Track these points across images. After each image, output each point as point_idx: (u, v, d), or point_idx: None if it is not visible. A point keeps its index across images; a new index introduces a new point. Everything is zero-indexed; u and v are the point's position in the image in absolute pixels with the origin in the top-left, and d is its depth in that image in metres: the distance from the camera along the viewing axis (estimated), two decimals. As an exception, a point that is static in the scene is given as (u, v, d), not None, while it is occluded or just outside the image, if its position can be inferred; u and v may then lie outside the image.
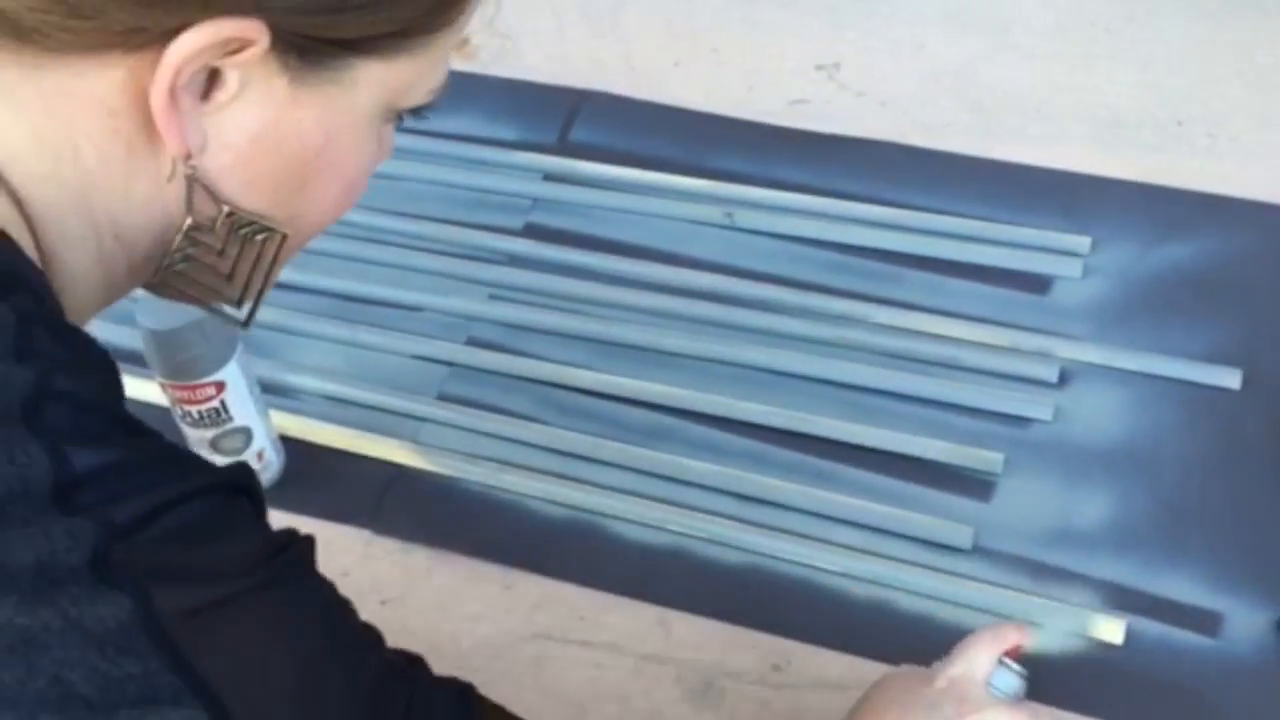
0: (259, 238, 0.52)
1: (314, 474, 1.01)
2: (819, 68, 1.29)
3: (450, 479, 1.01)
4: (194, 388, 0.90)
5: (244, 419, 0.93)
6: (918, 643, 0.88)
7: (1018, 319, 1.07)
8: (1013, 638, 0.74)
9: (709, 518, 0.97)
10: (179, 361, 0.89)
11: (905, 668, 0.76)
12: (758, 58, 1.31)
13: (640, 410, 1.04)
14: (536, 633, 0.92)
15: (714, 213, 1.17)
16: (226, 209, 0.50)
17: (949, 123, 1.23)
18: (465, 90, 1.31)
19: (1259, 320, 1.04)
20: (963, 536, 0.93)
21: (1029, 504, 0.96)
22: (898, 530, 0.95)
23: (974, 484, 0.97)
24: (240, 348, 0.91)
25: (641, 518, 0.97)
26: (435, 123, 1.25)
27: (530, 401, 1.05)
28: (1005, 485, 0.97)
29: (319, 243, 1.16)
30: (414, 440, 1.03)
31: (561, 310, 1.12)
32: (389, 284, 1.15)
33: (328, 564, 0.94)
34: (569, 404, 1.05)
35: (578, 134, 1.26)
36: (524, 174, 1.23)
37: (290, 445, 1.03)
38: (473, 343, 1.10)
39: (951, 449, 0.99)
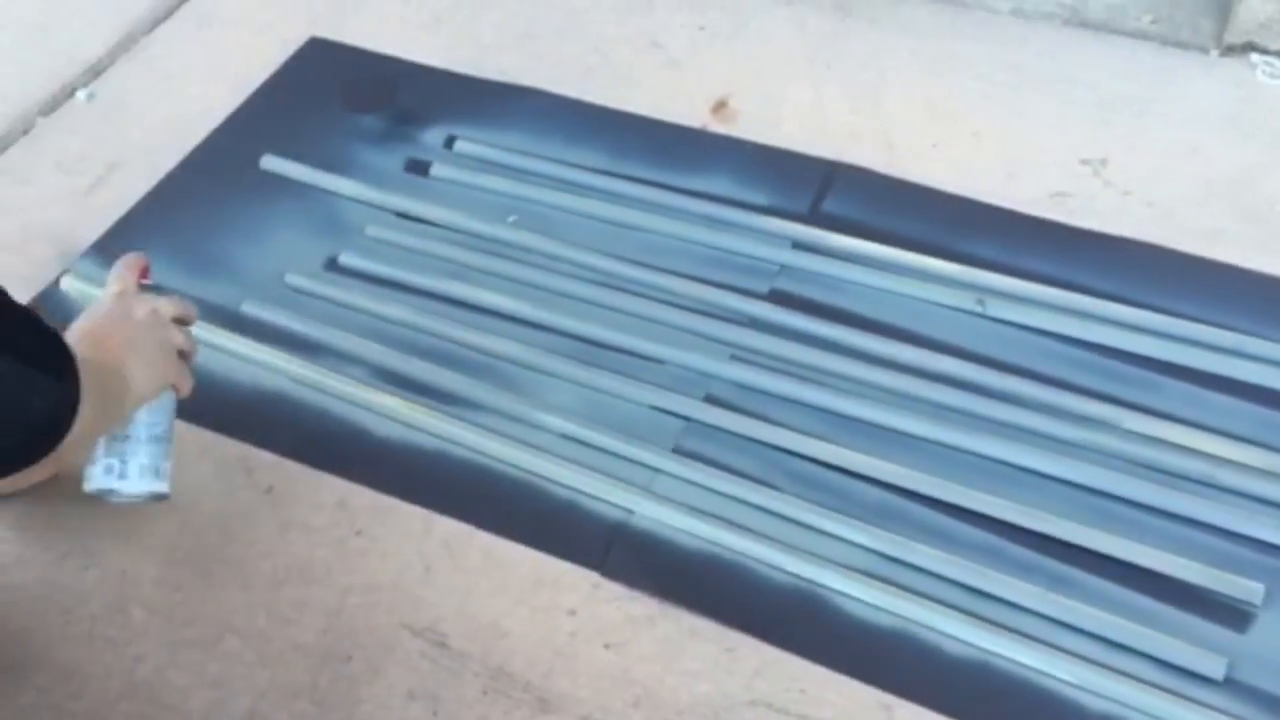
0: None
1: (546, 509, 1.04)
2: (1084, 162, 1.27)
3: (680, 533, 1.01)
4: None
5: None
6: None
7: (1284, 443, 1.01)
8: (136, 262, 0.98)
9: (935, 605, 0.95)
10: None
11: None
12: (1019, 146, 1.30)
13: (872, 488, 1.03)
14: (755, 699, 0.91)
15: (964, 298, 1.16)
16: None
17: (1220, 230, 1.18)
18: (719, 151, 1.34)
19: None
20: (1215, 666, 0.89)
21: (1289, 641, 0.90)
22: (1142, 649, 0.90)
23: (1229, 612, 0.92)
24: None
25: (868, 597, 0.96)
26: (687, 180, 1.30)
27: (763, 465, 1.06)
28: (1264, 618, 0.91)
29: (564, 283, 1.22)
30: (647, 489, 1.05)
31: (801, 378, 1.12)
32: (630, 332, 1.17)
33: (556, 600, 0.97)
34: (801, 472, 1.05)
35: (830, 205, 1.27)
36: (773, 239, 1.24)
37: (526, 479, 1.06)
38: (711, 400, 1.11)
39: (1206, 571, 0.94)
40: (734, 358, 1.14)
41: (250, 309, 1.21)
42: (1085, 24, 1.41)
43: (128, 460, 0.95)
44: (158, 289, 0.99)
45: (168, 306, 0.97)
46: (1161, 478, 1.01)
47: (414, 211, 1.30)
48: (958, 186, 1.26)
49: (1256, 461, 1.00)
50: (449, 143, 1.38)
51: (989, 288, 1.16)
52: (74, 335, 0.90)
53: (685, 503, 1.04)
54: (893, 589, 0.96)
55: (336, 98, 1.44)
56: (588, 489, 1.05)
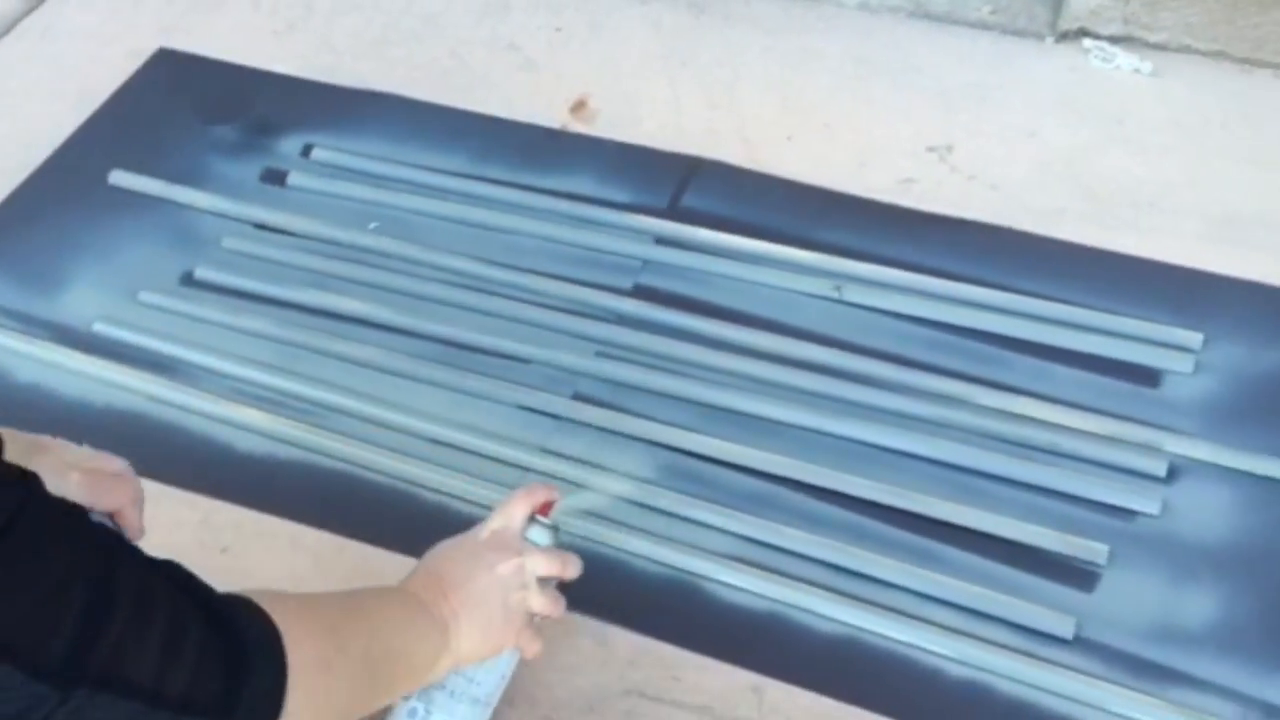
0: None
1: (417, 515, 1.03)
2: (930, 149, 1.31)
3: (551, 530, 1.02)
4: None
5: None
6: (1017, 730, 0.88)
7: (1125, 410, 1.06)
8: (543, 495, 0.84)
9: (805, 586, 0.97)
10: None
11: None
12: (869, 135, 1.33)
13: (741, 475, 1.05)
14: (629, 689, 0.92)
15: (822, 285, 1.19)
16: None
17: (1060, 210, 1.23)
18: (581, 151, 1.34)
19: (1375, 428, 1.02)
20: (1064, 626, 0.92)
21: (1133, 598, 0.95)
22: (998, 615, 0.94)
23: (1077, 573, 0.96)
24: None
25: (738, 582, 0.98)
26: (548, 180, 1.30)
27: (633, 460, 1.07)
28: (1109, 577, 0.96)
29: (428, 288, 1.21)
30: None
31: (668, 372, 1.13)
32: (497, 334, 1.17)
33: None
34: (671, 464, 1.06)
35: (689, 200, 1.28)
36: (635, 236, 1.25)
37: (394, 486, 1.05)
38: (579, 398, 1.12)
39: (1055, 536, 0.98)
40: (600, 354, 1.15)
41: (102, 329, 1.17)
42: (928, 16, 1.45)
43: (432, 713, 0.82)
44: (554, 529, 0.85)
45: (539, 563, 0.81)
46: (1012, 449, 1.05)
47: (272, 222, 1.29)
48: (812, 177, 1.29)
49: (1099, 428, 1.05)
50: (306, 151, 1.36)
51: (845, 274, 1.19)
52: (421, 570, 0.81)
53: (556, 500, 1.04)
54: (763, 572, 0.98)
55: (188, 109, 1.41)
56: (458, 492, 1.05)
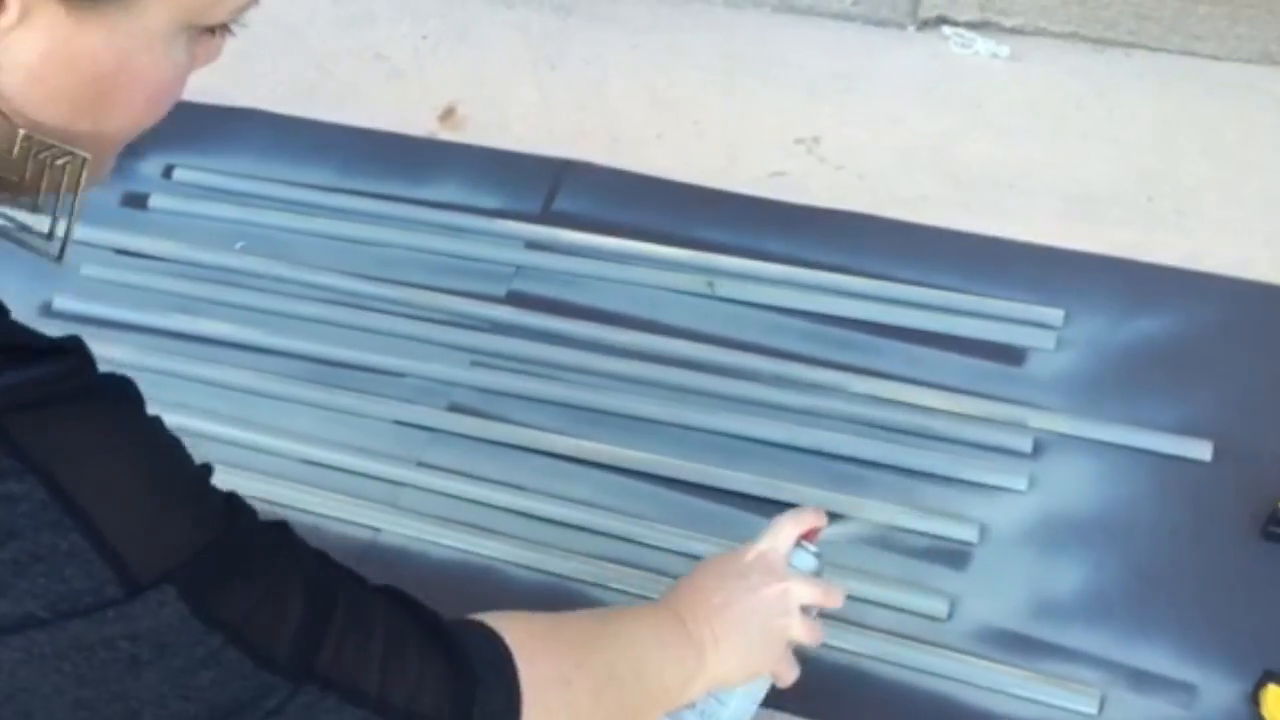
0: (60, 162, 0.52)
1: (292, 538, 1.01)
2: (798, 141, 1.32)
3: (428, 544, 1.01)
4: None
5: None
6: (893, 712, 0.89)
7: (992, 389, 1.08)
8: (810, 520, 0.81)
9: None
10: None
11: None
12: (738, 130, 1.34)
13: (618, 476, 1.05)
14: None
15: (695, 282, 1.19)
16: (23, 132, 0.50)
17: (925, 196, 1.25)
18: (449, 158, 1.33)
19: (1229, 393, 1.05)
20: (938, 606, 0.94)
21: (1004, 574, 0.96)
22: (873, 599, 0.95)
23: (949, 554, 0.98)
24: None
25: (619, 584, 0.98)
26: (418, 190, 1.29)
27: (511, 467, 1.06)
28: (980, 555, 0.97)
29: (297, 306, 1.19)
30: (393, 505, 1.04)
31: (543, 377, 1.13)
32: (369, 349, 1.16)
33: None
34: (549, 469, 1.06)
35: (561, 203, 1.28)
36: (507, 242, 1.24)
37: (266, 510, 1.03)
38: (454, 409, 1.11)
39: (927, 518, 0.99)
40: (475, 363, 1.14)
41: (-45, 366, 1.13)
42: (792, 9, 1.47)
43: None
44: (819, 556, 0.81)
45: (804, 591, 0.78)
46: (884, 434, 1.06)
47: (133, 246, 1.25)
48: (683, 174, 1.29)
49: (967, 409, 1.07)
50: (167, 172, 1.33)
51: (717, 269, 1.20)
52: (685, 587, 0.78)
53: (432, 513, 1.03)
54: (644, 574, 0.98)
55: (42, 134, 1.37)
56: (332, 512, 1.03)
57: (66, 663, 0.47)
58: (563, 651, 0.66)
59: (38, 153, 0.51)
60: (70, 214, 0.54)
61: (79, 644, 0.47)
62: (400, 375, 1.14)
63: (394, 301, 1.20)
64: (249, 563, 0.53)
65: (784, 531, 0.80)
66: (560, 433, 1.08)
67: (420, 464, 1.07)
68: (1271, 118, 1.29)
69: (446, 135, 1.36)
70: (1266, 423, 1.03)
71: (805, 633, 0.78)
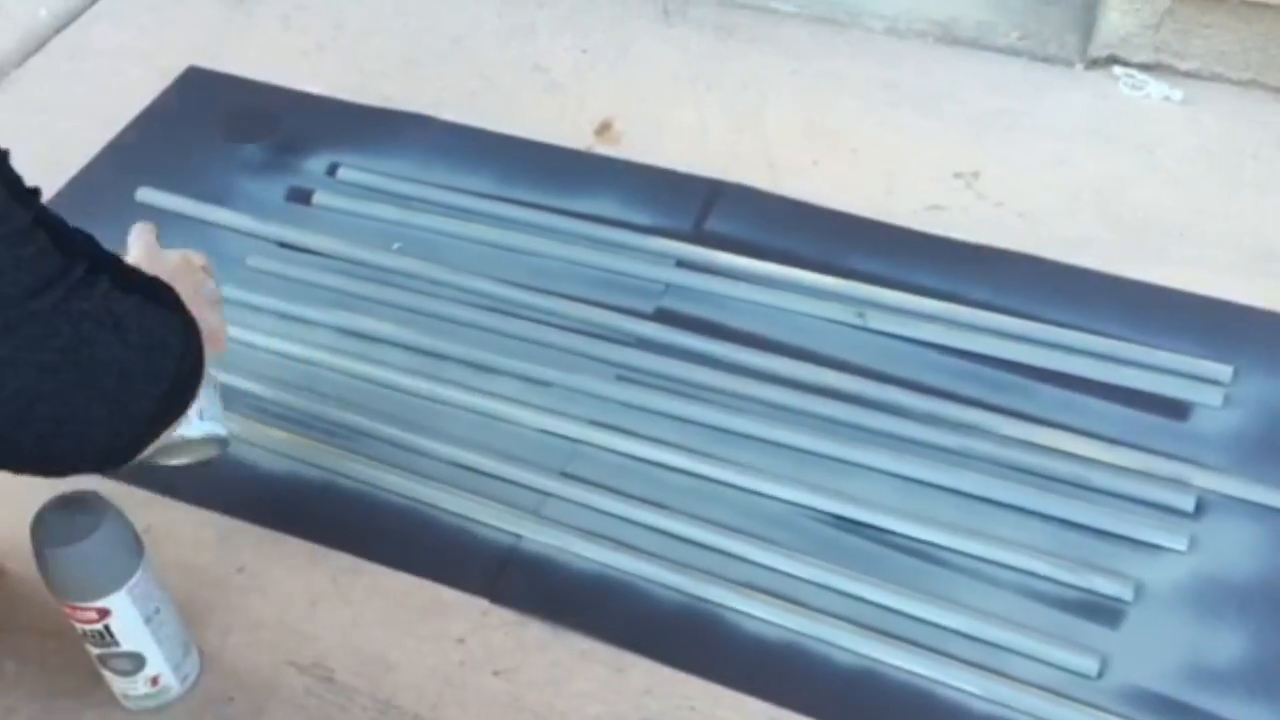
0: None
1: (435, 538, 1.03)
2: (957, 175, 1.30)
3: (570, 556, 1.01)
4: (75, 608, 0.86)
5: (134, 645, 0.88)
6: (1039, 769, 0.86)
7: (1153, 443, 1.05)
8: (152, 227, 0.93)
9: (825, 617, 0.96)
10: (61, 580, 0.85)
11: None
12: (896, 161, 1.32)
13: (761, 501, 1.04)
14: (645, 717, 0.91)
15: (846, 312, 1.18)
16: None
17: (1087, 239, 1.22)
18: (604, 173, 1.34)
19: None
20: (1089, 664, 0.91)
21: (1160, 636, 0.93)
22: (1021, 650, 0.93)
23: (1102, 610, 0.95)
24: (139, 575, 0.86)
25: (756, 611, 0.97)
26: (572, 202, 1.30)
27: (651, 484, 1.06)
28: (1135, 614, 0.94)
29: (451, 309, 1.21)
30: (536, 514, 1.04)
31: (687, 396, 1.12)
32: (518, 356, 1.17)
33: (445, 629, 0.96)
34: (691, 490, 1.06)
35: (713, 224, 1.28)
36: (658, 259, 1.25)
37: (414, 508, 1.05)
38: (597, 422, 1.11)
39: (1079, 571, 0.96)
40: (620, 378, 1.15)
41: (126, 345, 1.18)
42: (956, 41, 1.45)
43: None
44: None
45: (195, 255, 0.92)
46: (1036, 480, 1.03)
47: (296, 241, 1.29)
48: (837, 202, 1.28)
49: (1126, 461, 1.03)
50: (331, 170, 1.36)
51: (869, 300, 1.18)
52: None
53: (574, 525, 1.04)
54: (781, 602, 0.97)
55: (216, 128, 1.42)
56: (477, 515, 1.04)
57: None
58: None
59: None
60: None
61: None
62: (547, 384, 1.15)
63: (544, 311, 1.21)
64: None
65: (145, 237, 0.92)
66: (703, 454, 1.08)
67: (564, 474, 1.07)
68: None
69: (602, 150, 1.37)
70: None
71: (215, 289, 0.91)
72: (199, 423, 0.89)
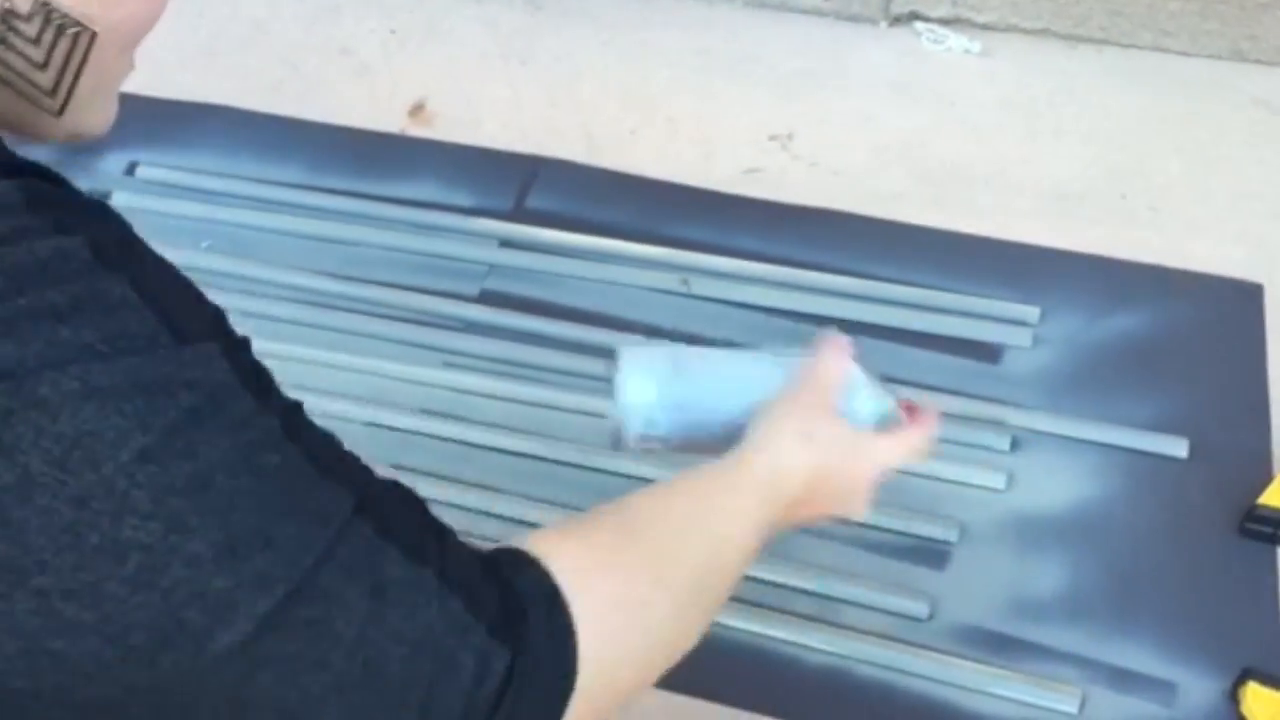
0: (71, 31, 0.50)
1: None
2: (772, 138, 1.31)
3: (403, 548, 0.99)
4: None
5: None
6: (874, 713, 0.88)
7: (969, 387, 1.08)
8: (847, 346, 0.69)
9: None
10: None
11: None
12: (712, 127, 1.33)
13: (594, 476, 1.04)
14: None
15: (670, 280, 1.18)
16: None
17: (899, 193, 1.25)
18: (421, 156, 1.31)
19: (1204, 390, 1.06)
20: (919, 607, 0.93)
21: (984, 573, 0.96)
22: (853, 600, 0.94)
23: (929, 554, 0.97)
24: None
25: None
26: (388, 188, 1.27)
27: (484, 469, 1.05)
28: (960, 554, 0.97)
29: (267, 306, 1.17)
30: (366, 509, 1.02)
31: (517, 378, 1.11)
32: (341, 349, 1.14)
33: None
34: (523, 471, 1.04)
35: (534, 201, 1.26)
36: (480, 240, 1.23)
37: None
38: (427, 411, 1.09)
39: (907, 517, 0.99)
40: (448, 364, 1.13)
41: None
42: (764, 5, 1.46)
43: None
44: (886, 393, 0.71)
45: (892, 457, 0.68)
46: (863, 433, 1.05)
47: (96, 246, 1.22)
48: (656, 171, 1.28)
49: (945, 407, 1.06)
50: (130, 169, 1.30)
51: (692, 267, 1.19)
52: (803, 459, 0.64)
53: (407, 517, 1.01)
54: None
55: None
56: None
57: (126, 402, 0.43)
58: (637, 569, 0.56)
59: (48, 15, 0.49)
60: (73, 85, 0.52)
61: (137, 381, 0.43)
62: (373, 375, 1.12)
63: (365, 301, 1.18)
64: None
65: (835, 376, 0.68)
66: (535, 434, 1.07)
67: (395, 466, 1.05)
68: (1242, 114, 1.30)
69: (416, 132, 1.34)
70: (1242, 419, 1.03)
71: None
72: None
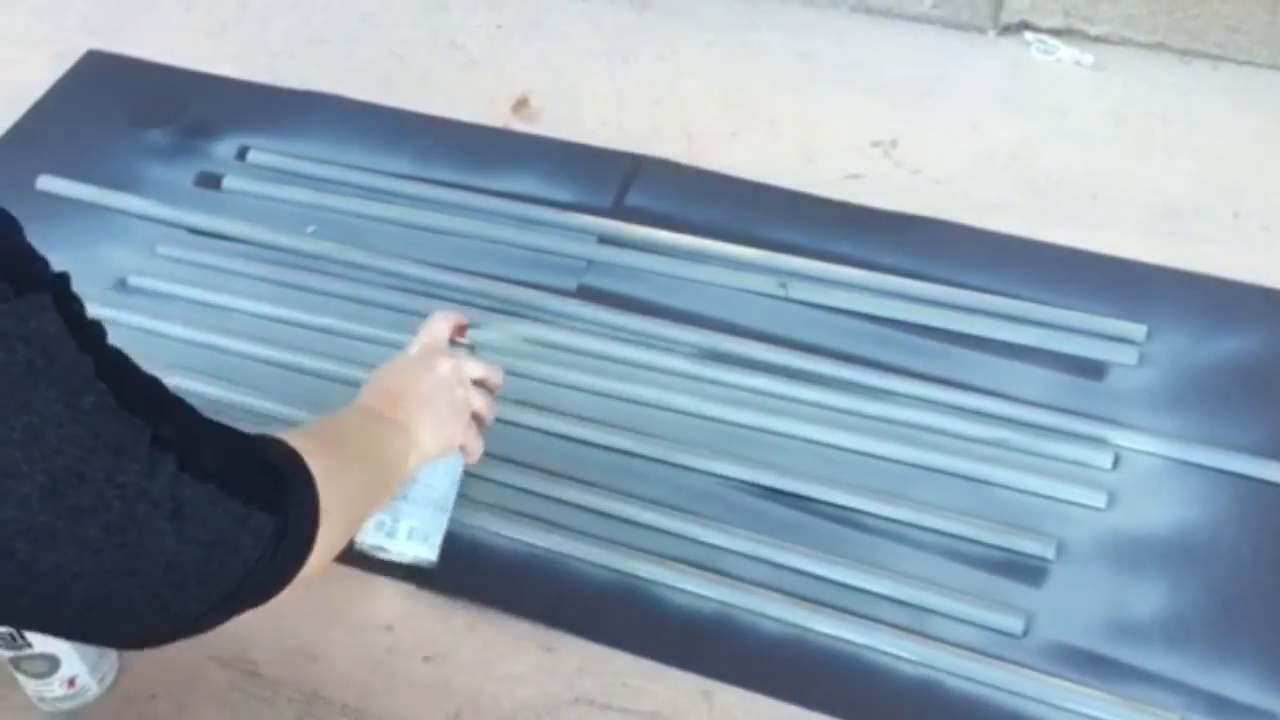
0: None
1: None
2: (875, 144, 1.30)
3: (495, 537, 1.00)
4: None
5: (47, 646, 0.85)
6: (967, 728, 0.87)
7: (1071, 404, 1.06)
8: (455, 318, 0.94)
9: (753, 588, 0.96)
10: None
11: None
12: (814, 132, 1.32)
13: (686, 475, 1.04)
14: (579, 697, 0.91)
15: (767, 283, 1.18)
16: None
17: (1003, 203, 1.23)
18: (523, 150, 1.33)
19: (1315, 416, 1.03)
20: (1014, 623, 0.92)
21: (1081, 592, 0.94)
22: (948, 612, 0.93)
23: (1025, 569, 0.96)
24: None
25: (685, 584, 0.97)
26: (491, 181, 1.28)
27: (576, 463, 1.05)
28: (1057, 572, 0.96)
29: (370, 293, 1.19)
30: (462, 495, 1.03)
31: (611, 374, 1.12)
32: (440, 338, 1.15)
33: (371, 618, 0.95)
34: (616, 466, 1.05)
35: (634, 199, 1.27)
36: (579, 236, 1.24)
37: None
38: (521, 402, 1.10)
39: (1002, 532, 0.98)
40: (544, 357, 1.14)
41: (31, 339, 1.14)
42: (871, 10, 1.45)
43: (399, 520, 0.89)
44: (471, 349, 0.94)
45: (473, 367, 0.91)
46: (958, 444, 1.04)
47: (207, 226, 1.26)
48: (756, 174, 1.28)
49: (1045, 422, 1.05)
50: (242, 154, 1.33)
51: (790, 271, 1.18)
52: (369, 390, 0.87)
53: (499, 505, 1.02)
54: (710, 575, 0.97)
55: (119, 112, 1.38)
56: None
57: None
58: (331, 447, 0.73)
59: None
60: None
61: None
62: (470, 366, 1.13)
63: (466, 291, 1.19)
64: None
65: (438, 327, 0.93)
66: (628, 429, 1.07)
67: (486, 454, 1.05)
68: (1363, 135, 1.26)
69: (520, 126, 1.36)
70: (1355, 448, 1.00)
71: (483, 404, 0.91)
72: (406, 542, 0.89)
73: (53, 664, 0.87)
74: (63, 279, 0.60)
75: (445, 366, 0.89)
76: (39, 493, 0.54)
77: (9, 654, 0.86)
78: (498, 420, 1.08)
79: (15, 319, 0.54)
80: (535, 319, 1.17)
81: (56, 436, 0.54)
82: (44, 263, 0.60)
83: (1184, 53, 1.37)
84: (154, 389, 0.63)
